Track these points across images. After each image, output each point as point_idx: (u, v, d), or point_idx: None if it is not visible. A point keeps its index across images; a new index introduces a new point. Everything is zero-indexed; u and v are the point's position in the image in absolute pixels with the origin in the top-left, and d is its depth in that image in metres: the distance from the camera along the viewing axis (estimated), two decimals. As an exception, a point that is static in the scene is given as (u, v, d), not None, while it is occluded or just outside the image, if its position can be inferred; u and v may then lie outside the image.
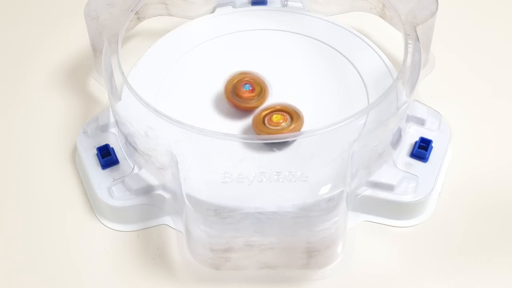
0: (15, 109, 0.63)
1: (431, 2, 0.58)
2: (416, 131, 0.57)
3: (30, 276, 0.53)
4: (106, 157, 0.56)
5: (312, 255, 0.50)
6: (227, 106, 0.57)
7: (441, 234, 0.55)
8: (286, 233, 0.49)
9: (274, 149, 0.52)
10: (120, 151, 0.56)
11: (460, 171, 0.57)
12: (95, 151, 0.56)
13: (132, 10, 0.59)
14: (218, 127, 0.55)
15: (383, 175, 0.54)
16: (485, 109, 0.61)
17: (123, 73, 0.54)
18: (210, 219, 0.49)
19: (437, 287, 0.52)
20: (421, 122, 0.57)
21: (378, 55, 0.60)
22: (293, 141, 0.53)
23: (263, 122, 0.54)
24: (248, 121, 0.55)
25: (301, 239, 0.50)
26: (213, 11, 0.65)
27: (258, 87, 0.56)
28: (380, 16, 0.63)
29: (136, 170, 0.55)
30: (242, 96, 0.56)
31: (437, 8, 0.57)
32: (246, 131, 0.55)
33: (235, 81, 0.56)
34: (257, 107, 0.55)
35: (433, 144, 0.56)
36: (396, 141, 0.55)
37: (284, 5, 0.65)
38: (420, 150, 0.56)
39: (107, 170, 0.56)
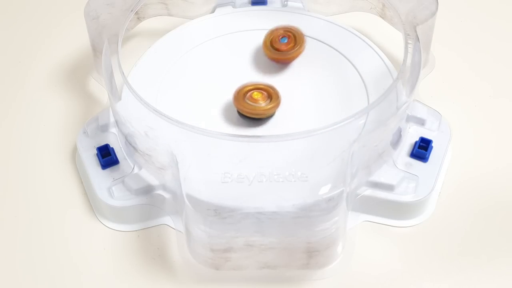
0: (15, 109, 0.63)
1: (431, 2, 0.58)
2: (416, 131, 0.57)
3: (30, 276, 0.53)
4: (106, 157, 0.56)
5: (312, 255, 0.50)
6: (227, 106, 0.57)
7: (441, 234, 0.55)
8: (286, 233, 0.49)
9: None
10: (120, 151, 0.56)
11: (460, 171, 0.57)
12: (95, 151, 0.56)
13: (132, 10, 0.59)
14: (218, 127, 0.55)
15: (383, 175, 0.54)
16: (485, 109, 0.61)
17: (123, 73, 0.54)
18: (210, 219, 0.49)
19: (437, 287, 0.52)
20: (421, 122, 0.57)
21: (378, 55, 0.60)
22: (271, 116, 0.55)
23: (244, 97, 0.55)
24: (248, 123, 0.56)
25: (301, 239, 0.50)
26: (213, 11, 0.65)
27: (293, 38, 0.59)
28: (380, 16, 0.63)
29: (136, 170, 0.55)
30: (281, 48, 0.58)
31: (437, 8, 0.57)
32: (229, 114, 0.56)
33: (272, 36, 0.59)
34: (294, 58, 0.59)
35: (433, 144, 0.56)
36: (396, 141, 0.55)
37: (284, 5, 0.65)
38: (420, 150, 0.56)
39: (107, 170, 0.56)
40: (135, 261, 0.54)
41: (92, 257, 0.54)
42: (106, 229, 0.55)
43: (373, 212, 0.55)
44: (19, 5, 0.71)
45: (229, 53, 0.61)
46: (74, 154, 0.59)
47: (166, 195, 0.54)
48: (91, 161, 0.56)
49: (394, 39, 0.61)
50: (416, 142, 0.56)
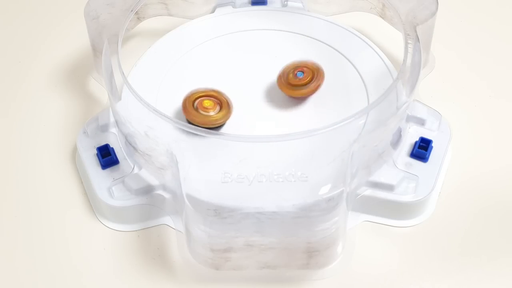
0: (15, 109, 0.63)
1: (431, 2, 0.58)
2: (416, 131, 0.57)
3: (30, 276, 0.53)
4: (106, 157, 0.56)
5: (312, 255, 0.50)
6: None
7: (441, 234, 0.55)
8: (286, 233, 0.49)
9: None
10: (120, 151, 0.56)
11: (460, 171, 0.57)
12: (95, 151, 0.56)
13: (132, 10, 0.59)
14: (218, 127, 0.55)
15: (383, 175, 0.54)
16: (485, 109, 0.61)
17: (123, 73, 0.54)
18: (210, 219, 0.49)
19: (437, 287, 0.52)
20: (421, 122, 0.57)
21: (378, 55, 0.60)
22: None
23: (193, 105, 0.54)
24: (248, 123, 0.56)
25: (301, 239, 0.50)
26: (213, 11, 0.65)
27: (310, 73, 0.56)
28: (380, 16, 0.63)
29: (136, 170, 0.55)
30: (297, 83, 0.56)
31: (437, 8, 0.57)
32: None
33: (287, 71, 0.56)
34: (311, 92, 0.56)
35: (433, 144, 0.56)
36: (396, 141, 0.55)
37: (284, 5, 0.65)
38: (420, 150, 0.56)
39: (107, 170, 0.56)
40: (135, 261, 0.54)
41: (92, 257, 0.54)
42: (106, 229, 0.55)
43: (373, 212, 0.55)
44: (19, 5, 0.71)
45: (229, 53, 0.61)
46: (74, 154, 0.59)
47: (166, 195, 0.54)
48: (91, 161, 0.56)
49: (394, 39, 0.61)
50: (416, 142, 0.56)
